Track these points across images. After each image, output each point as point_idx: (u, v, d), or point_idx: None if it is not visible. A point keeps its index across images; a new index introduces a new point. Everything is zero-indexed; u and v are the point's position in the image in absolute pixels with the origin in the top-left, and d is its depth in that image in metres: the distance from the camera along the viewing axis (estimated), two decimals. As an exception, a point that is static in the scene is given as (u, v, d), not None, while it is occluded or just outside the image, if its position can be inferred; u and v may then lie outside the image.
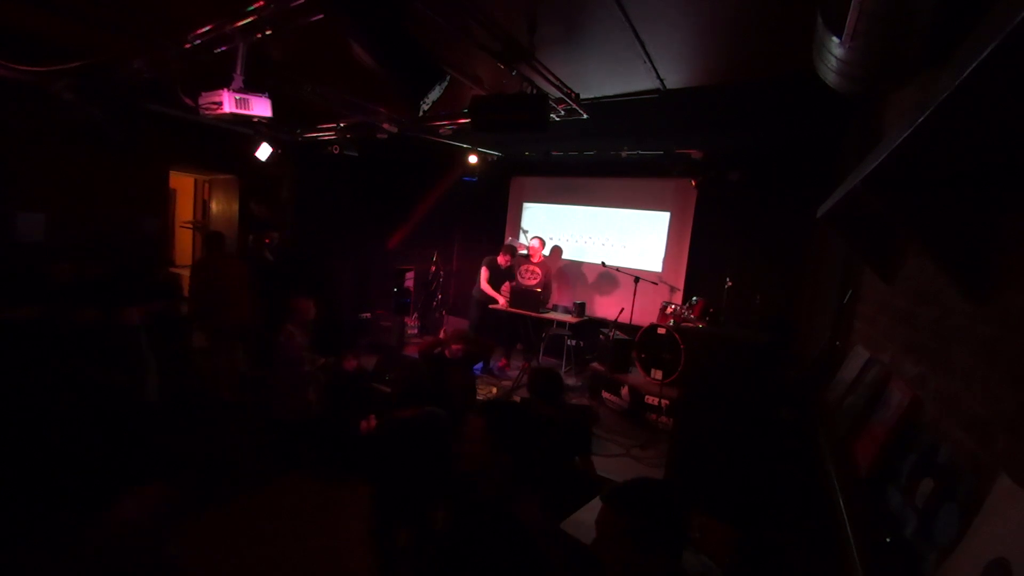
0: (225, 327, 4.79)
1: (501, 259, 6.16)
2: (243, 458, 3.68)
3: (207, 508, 3.14)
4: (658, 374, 4.86)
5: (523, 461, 1.60)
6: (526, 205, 7.74)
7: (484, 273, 6.17)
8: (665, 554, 1.20)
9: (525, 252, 6.54)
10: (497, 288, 6.13)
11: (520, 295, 5.92)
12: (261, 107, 3.07)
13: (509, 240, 7.22)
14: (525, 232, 7.48)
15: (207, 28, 2.90)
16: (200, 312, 4.84)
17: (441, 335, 3.73)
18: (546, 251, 6.67)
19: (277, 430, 3.69)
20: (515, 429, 1.64)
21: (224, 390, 4.63)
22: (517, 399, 4.48)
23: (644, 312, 6.00)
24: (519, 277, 6.28)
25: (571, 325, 5.81)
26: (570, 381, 5.69)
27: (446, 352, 3.52)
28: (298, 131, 5.83)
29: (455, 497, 1.66)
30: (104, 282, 4.29)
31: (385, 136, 5.32)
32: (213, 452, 3.66)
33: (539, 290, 5.94)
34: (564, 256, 7.28)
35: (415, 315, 7.70)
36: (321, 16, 2.53)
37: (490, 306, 6.06)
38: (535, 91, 3.51)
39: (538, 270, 6.28)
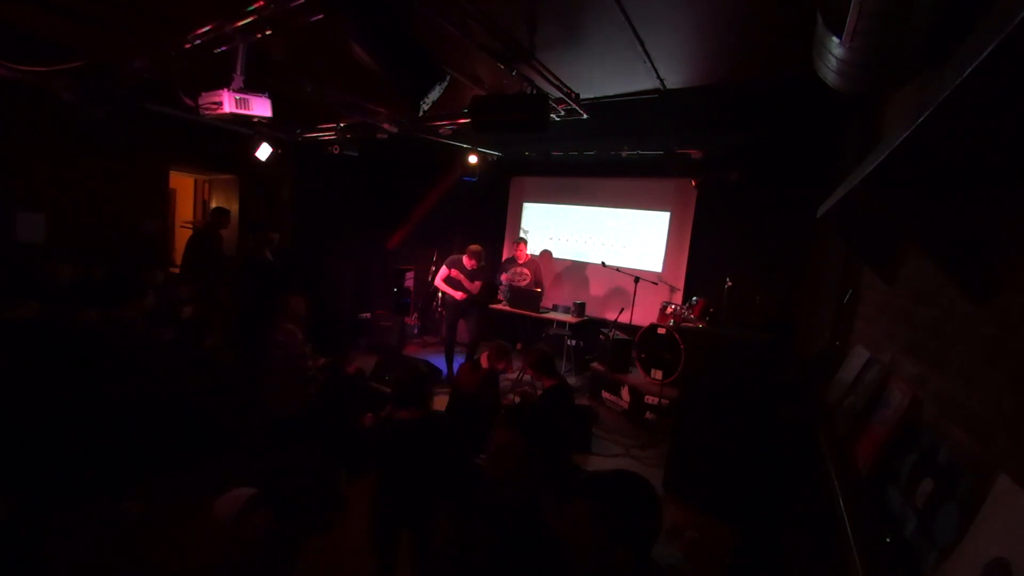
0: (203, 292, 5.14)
1: (467, 262, 5.80)
2: (242, 455, 3.67)
3: (205, 506, 3.14)
4: (658, 374, 4.86)
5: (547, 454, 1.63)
6: (526, 205, 7.74)
7: (444, 271, 5.89)
8: (633, 547, 1.20)
9: (512, 256, 6.46)
10: (465, 288, 5.89)
11: (520, 295, 5.92)
12: (261, 107, 3.07)
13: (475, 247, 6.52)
14: (525, 232, 7.47)
15: (207, 28, 2.90)
16: (186, 273, 5.38)
17: (483, 362, 3.53)
18: (534, 251, 6.60)
19: (276, 428, 3.68)
20: (540, 427, 1.66)
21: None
22: (516, 398, 4.47)
23: (644, 312, 6.00)
24: (510, 280, 6.25)
25: (571, 325, 5.81)
26: (570, 381, 5.68)
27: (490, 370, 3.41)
28: (298, 131, 5.83)
29: (477, 501, 1.65)
30: (104, 284, 4.29)
31: (385, 136, 5.32)
32: (213, 449, 3.66)
33: (539, 290, 5.93)
34: (565, 256, 7.28)
35: (415, 315, 7.71)
36: (321, 16, 2.53)
37: (497, 305, 5.92)
38: (535, 91, 3.51)
39: (526, 271, 6.26)
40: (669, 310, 5.41)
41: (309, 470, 1.38)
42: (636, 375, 5.23)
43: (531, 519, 1.55)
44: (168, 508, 3.06)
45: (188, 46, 3.07)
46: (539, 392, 5.18)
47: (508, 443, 1.59)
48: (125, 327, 3.76)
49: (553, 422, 2.96)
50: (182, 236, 7.68)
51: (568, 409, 3.20)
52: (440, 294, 7.73)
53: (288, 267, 5.77)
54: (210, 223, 5.60)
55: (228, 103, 2.95)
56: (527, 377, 5.52)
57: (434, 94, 2.50)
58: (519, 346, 6.62)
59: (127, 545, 2.64)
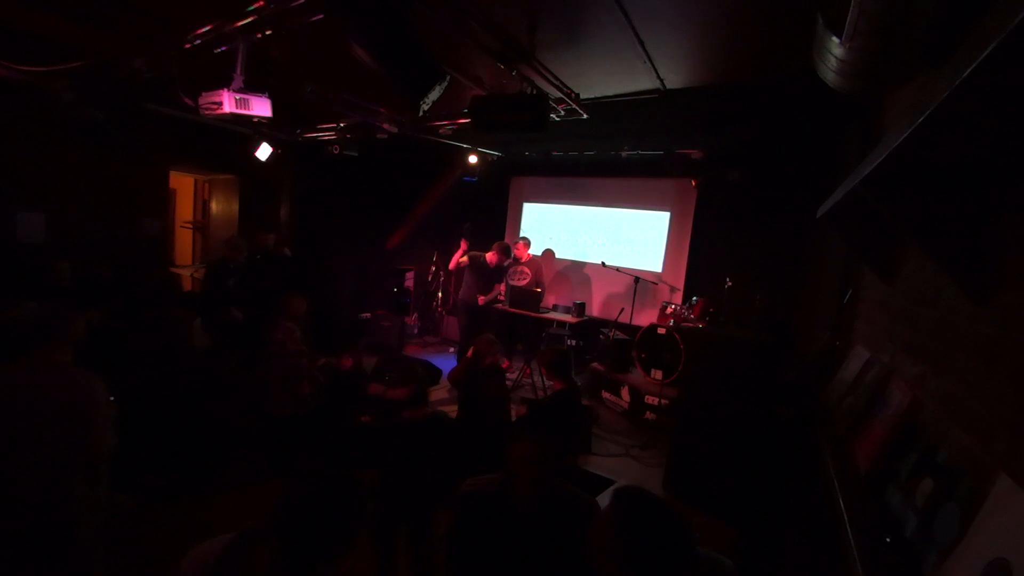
0: None
1: (491, 256, 5.70)
2: (238, 453, 3.68)
3: (201, 503, 3.15)
4: (658, 374, 4.86)
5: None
6: (526, 205, 7.74)
7: (461, 259, 5.76)
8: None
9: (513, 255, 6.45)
10: (485, 288, 5.79)
11: (520, 295, 5.91)
12: (261, 107, 3.07)
13: (508, 242, 6.55)
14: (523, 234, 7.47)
15: (207, 28, 2.90)
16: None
17: (470, 354, 3.43)
18: (536, 251, 6.58)
19: (271, 425, 3.68)
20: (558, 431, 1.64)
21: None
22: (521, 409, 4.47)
23: (644, 312, 6.00)
24: (508, 279, 6.24)
25: (571, 325, 5.80)
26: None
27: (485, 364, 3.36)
28: (298, 131, 5.83)
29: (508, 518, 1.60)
30: (103, 283, 4.29)
31: (385, 136, 5.32)
32: (208, 446, 3.66)
33: (539, 290, 5.92)
34: (565, 256, 7.28)
35: (415, 315, 7.71)
36: (321, 16, 2.53)
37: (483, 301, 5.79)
38: (535, 91, 3.51)
39: (527, 270, 6.23)
40: (669, 310, 5.41)
41: (326, 494, 1.18)
42: (636, 375, 5.23)
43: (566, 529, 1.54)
44: (163, 505, 3.07)
45: (188, 46, 3.07)
46: (540, 393, 5.19)
47: (529, 454, 1.56)
48: (125, 327, 3.76)
49: (559, 426, 2.94)
50: (182, 236, 7.70)
51: (575, 414, 3.19)
52: (440, 294, 7.75)
53: (287, 267, 5.76)
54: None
55: (228, 103, 2.95)
56: (527, 379, 5.53)
57: (434, 94, 2.50)
58: (519, 347, 6.62)
59: (117, 539, 2.63)
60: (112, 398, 2.02)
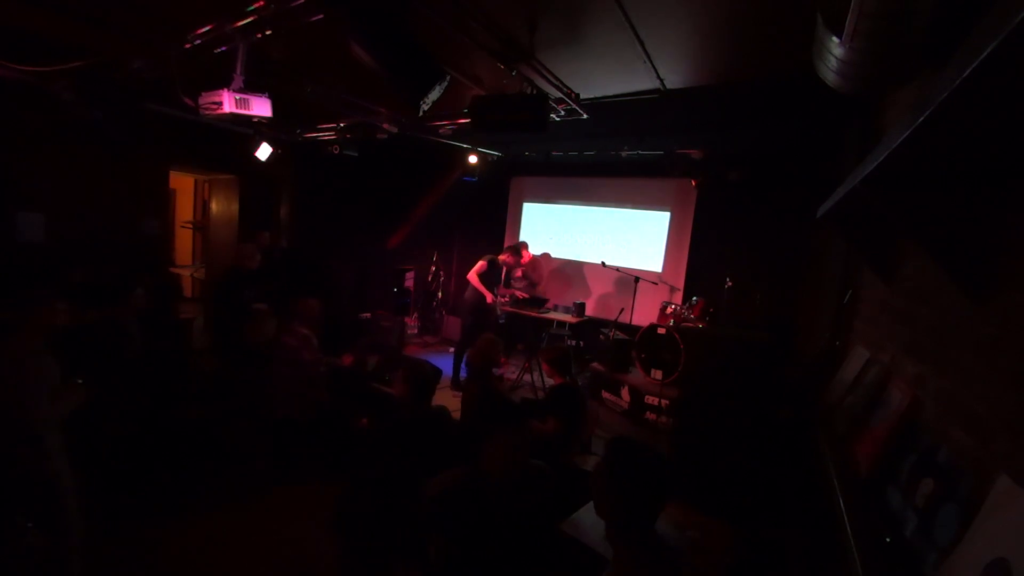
0: None
1: (504, 258, 5.77)
2: (247, 459, 3.67)
3: (211, 509, 3.14)
4: (658, 374, 4.85)
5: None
6: (526, 205, 7.74)
7: (480, 266, 5.63)
8: (640, 512, 1.31)
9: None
10: (490, 287, 5.74)
11: (520, 296, 5.93)
12: (261, 107, 3.07)
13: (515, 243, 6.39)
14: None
15: (207, 28, 2.90)
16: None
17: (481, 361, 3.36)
18: (534, 252, 6.64)
19: (282, 430, 3.67)
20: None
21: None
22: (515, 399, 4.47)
23: (644, 312, 5.99)
24: (514, 283, 6.28)
25: (571, 325, 5.80)
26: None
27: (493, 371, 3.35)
28: (298, 131, 5.83)
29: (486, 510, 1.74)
30: (101, 284, 4.28)
31: (385, 136, 5.32)
32: (215, 451, 3.66)
33: (538, 287, 5.94)
34: (565, 256, 7.29)
35: (415, 315, 7.71)
36: (321, 16, 2.53)
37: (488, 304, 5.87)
38: (535, 91, 3.51)
39: (519, 272, 6.33)
40: (669, 310, 5.41)
41: (388, 493, 1.21)
42: (636, 375, 5.23)
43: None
44: (165, 508, 3.06)
45: (188, 46, 3.07)
46: (540, 393, 5.19)
47: (511, 441, 1.64)
48: (119, 327, 3.76)
49: (566, 418, 2.95)
50: (182, 236, 7.71)
51: (573, 409, 3.20)
52: (440, 294, 7.74)
53: (288, 268, 5.76)
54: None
55: (228, 103, 2.95)
56: (527, 378, 5.53)
57: (434, 94, 2.50)
58: (519, 347, 6.62)
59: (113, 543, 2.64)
60: (80, 381, 2.27)
